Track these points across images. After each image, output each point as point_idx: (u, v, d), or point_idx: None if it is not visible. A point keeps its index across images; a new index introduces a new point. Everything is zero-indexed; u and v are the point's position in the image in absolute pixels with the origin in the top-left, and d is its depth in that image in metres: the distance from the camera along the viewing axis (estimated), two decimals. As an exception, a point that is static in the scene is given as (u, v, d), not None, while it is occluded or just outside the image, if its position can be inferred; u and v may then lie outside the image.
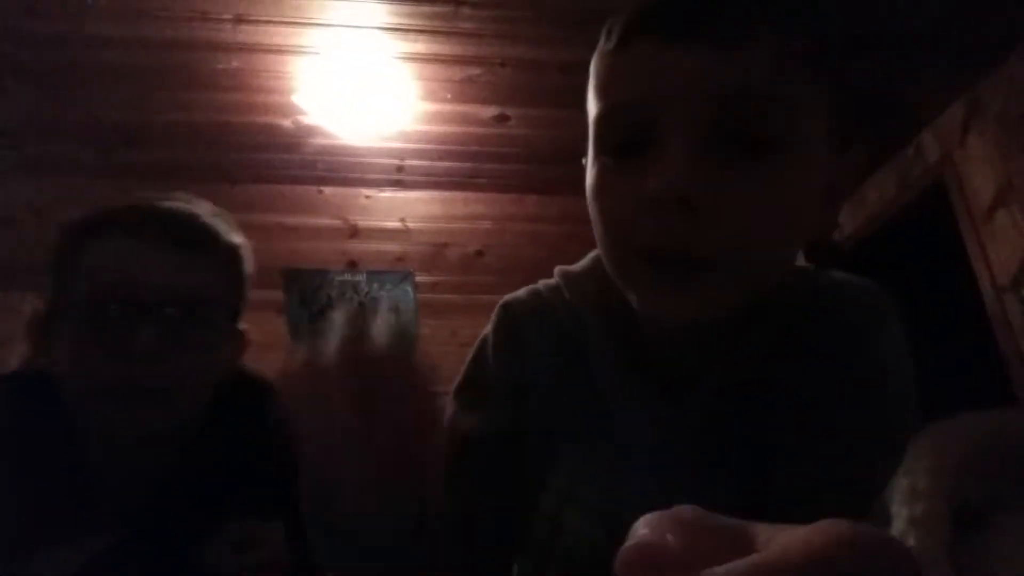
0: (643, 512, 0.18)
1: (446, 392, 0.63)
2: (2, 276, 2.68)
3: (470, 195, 3.07)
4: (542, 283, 0.61)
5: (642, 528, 0.17)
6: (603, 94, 0.47)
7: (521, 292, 0.60)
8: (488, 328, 0.59)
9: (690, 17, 0.43)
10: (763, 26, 0.43)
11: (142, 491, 0.65)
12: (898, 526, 0.22)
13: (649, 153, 0.43)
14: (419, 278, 2.96)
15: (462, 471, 0.50)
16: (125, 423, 0.62)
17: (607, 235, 0.48)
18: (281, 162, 2.79)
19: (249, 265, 0.73)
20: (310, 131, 2.59)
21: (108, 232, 0.64)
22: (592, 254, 0.59)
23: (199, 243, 0.66)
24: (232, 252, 0.70)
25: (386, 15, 2.03)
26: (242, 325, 0.74)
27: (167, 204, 0.68)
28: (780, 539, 0.16)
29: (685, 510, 0.18)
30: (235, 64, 2.22)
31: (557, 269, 0.60)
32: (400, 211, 3.02)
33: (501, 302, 0.60)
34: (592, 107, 0.48)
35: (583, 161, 0.53)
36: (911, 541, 0.22)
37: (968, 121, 2.47)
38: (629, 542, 0.17)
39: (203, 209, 0.70)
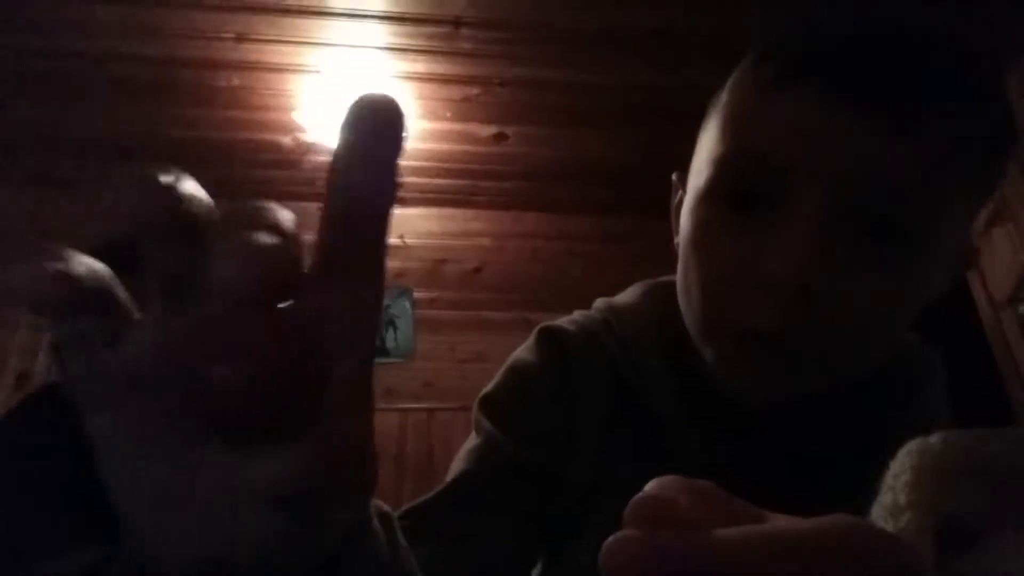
0: None
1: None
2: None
3: (469, 212, 3.08)
4: (581, 315, 0.56)
5: (655, 486, 0.18)
6: (736, 133, 0.41)
7: (562, 322, 0.55)
8: (527, 352, 0.54)
9: (864, 76, 0.37)
10: (944, 112, 0.37)
11: None
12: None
13: (774, 215, 0.38)
14: (417, 294, 2.96)
15: (488, 494, 0.47)
16: None
17: (703, 296, 0.43)
18: (281, 179, 2.81)
19: None
20: (310, 148, 2.61)
21: None
22: (640, 288, 0.56)
23: None
24: None
25: (386, 35, 2.06)
26: None
27: None
28: (793, 521, 0.16)
29: (701, 481, 0.18)
30: (236, 82, 2.24)
31: (602, 302, 0.56)
32: (399, 227, 3.03)
33: (542, 328, 0.55)
34: (717, 142, 0.42)
35: (673, 178, 0.49)
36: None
37: (962, 140, 2.49)
38: (640, 494, 0.17)
39: None
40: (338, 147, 0.21)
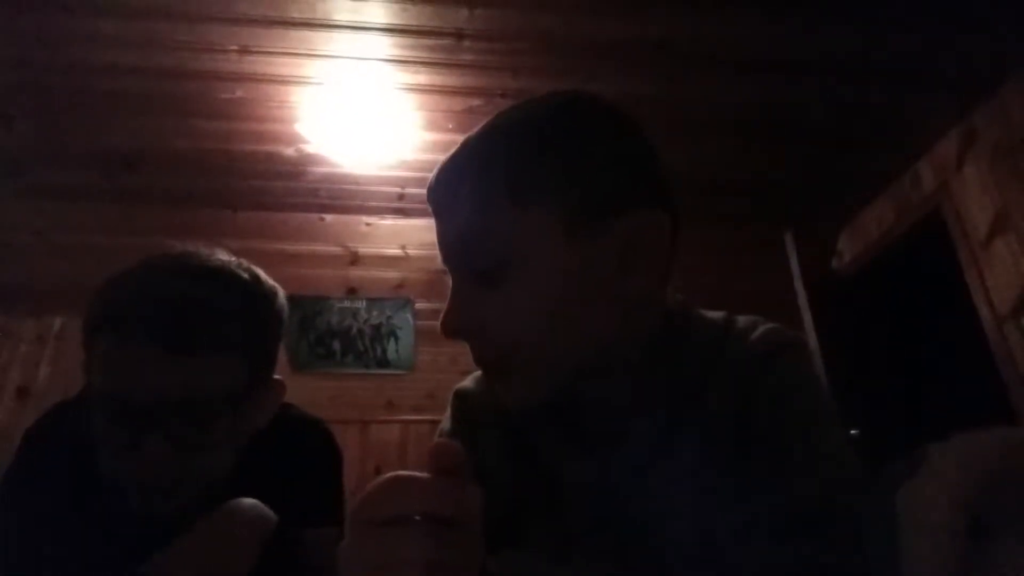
0: None
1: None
2: (5, 301, 2.68)
3: (470, 223, 3.08)
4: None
5: None
6: None
7: (469, 382, 0.64)
8: (446, 418, 0.62)
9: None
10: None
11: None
12: (919, 532, 0.22)
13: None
14: (419, 305, 2.96)
15: None
16: (147, 510, 0.62)
17: None
18: (284, 190, 2.82)
19: (274, 326, 0.70)
20: (313, 160, 2.62)
21: (110, 334, 0.61)
22: None
23: (201, 342, 0.61)
24: (247, 331, 0.65)
25: (389, 47, 2.07)
26: (277, 376, 0.73)
27: (172, 292, 0.62)
28: None
29: None
30: (240, 93, 2.25)
31: None
32: (401, 238, 3.04)
33: (454, 391, 0.64)
34: None
35: None
36: (928, 547, 0.22)
37: (964, 150, 2.50)
38: None
39: (220, 281, 0.65)
40: None
